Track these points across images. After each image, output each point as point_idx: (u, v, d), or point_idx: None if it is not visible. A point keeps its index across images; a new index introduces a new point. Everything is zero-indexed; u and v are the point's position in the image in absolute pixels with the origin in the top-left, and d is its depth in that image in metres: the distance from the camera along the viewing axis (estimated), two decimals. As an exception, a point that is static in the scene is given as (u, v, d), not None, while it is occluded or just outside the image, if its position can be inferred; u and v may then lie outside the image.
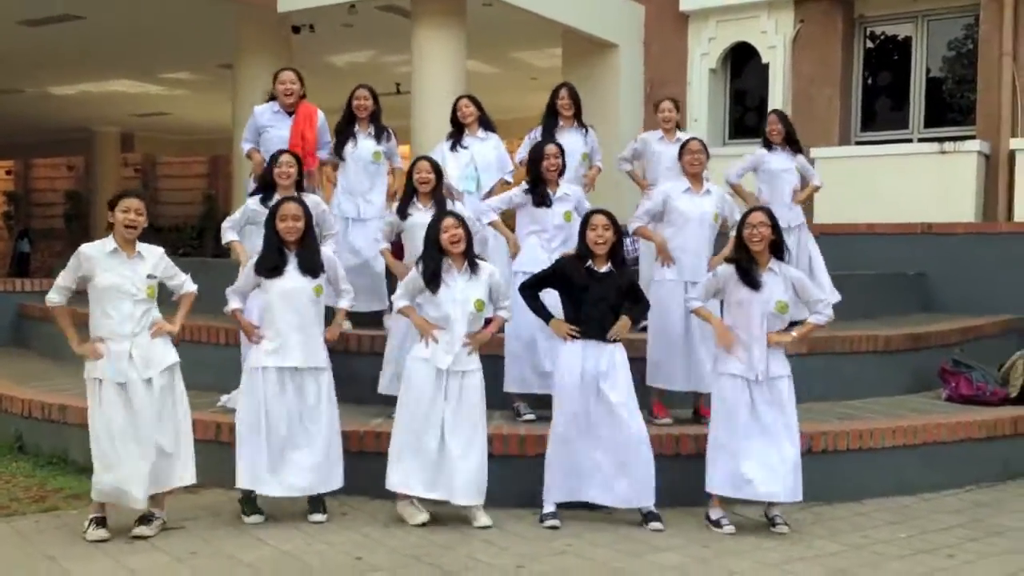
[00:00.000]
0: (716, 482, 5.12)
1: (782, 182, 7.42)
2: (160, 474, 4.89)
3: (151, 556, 4.63)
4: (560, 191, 6.01)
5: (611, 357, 5.16)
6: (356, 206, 6.83)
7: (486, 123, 6.98)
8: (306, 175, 6.24)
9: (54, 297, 4.91)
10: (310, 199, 5.99)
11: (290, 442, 5.10)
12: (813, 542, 5.00)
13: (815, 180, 7.66)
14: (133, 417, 4.82)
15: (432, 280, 5.10)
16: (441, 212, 5.45)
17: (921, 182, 9.78)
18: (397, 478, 5.11)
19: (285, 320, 5.10)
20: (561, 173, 6.05)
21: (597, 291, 5.15)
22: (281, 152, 6.10)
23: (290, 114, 6.73)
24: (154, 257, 4.97)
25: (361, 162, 6.82)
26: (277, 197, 5.88)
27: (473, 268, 5.15)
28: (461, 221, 5.18)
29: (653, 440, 5.26)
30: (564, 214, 5.96)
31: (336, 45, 13.09)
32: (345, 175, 6.87)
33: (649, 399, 6.00)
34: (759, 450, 5.04)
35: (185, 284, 5.13)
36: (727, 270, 5.16)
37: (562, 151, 6.06)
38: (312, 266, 5.16)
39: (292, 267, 5.14)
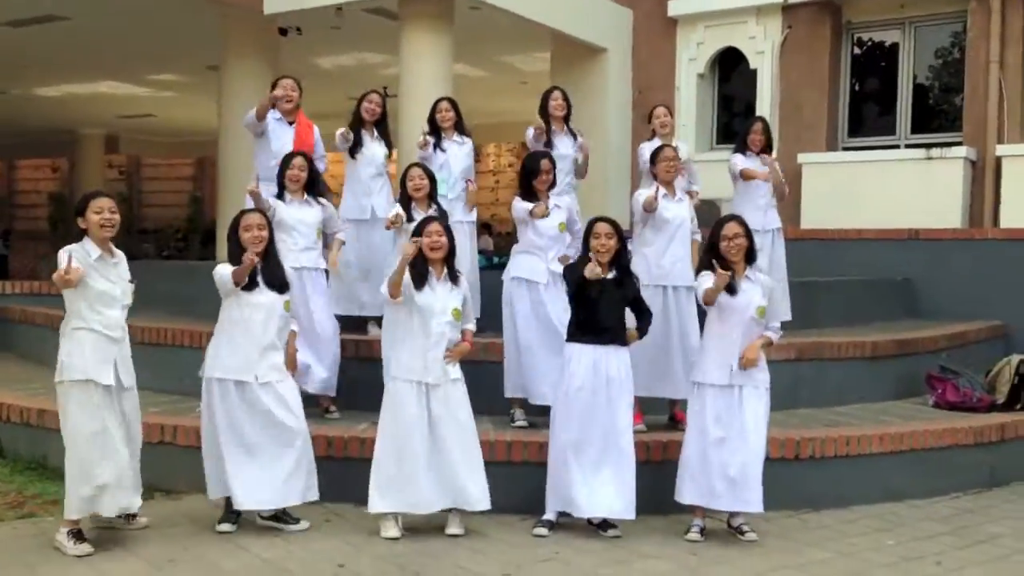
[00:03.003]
0: (684, 493, 5.12)
1: (755, 186, 7.36)
2: (134, 488, 4.82)
3: (129, 563, 4.56)
4: (551, 203, 5.98)
5: (619, 362, 5.15)
6: (364, 207, 6.79)
7: (461, 128, 6.93)
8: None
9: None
10: (320, 201, 6.12)
11: (254, 454, 4.97)
12: (801, 549, 4.97)
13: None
14: (121, 419, 4.76)
15: (418, 279, 5.01)
16: (428, 217, 5.39)
17: (908, 188, 9.79)
18: (384, 503, 4.98)
19: (249, 334, 4.99)
20: (552, 185, 6.04)
21: (604, 297, 5.15)
22: (293, 155, 6.10)
23: (290, 124, 6.71)
24: (124, 260, 4.91)
25: (371, 164, 6.79)
26: (288, 198, 5.94)
27: (453, 277, 5.11)
28: (446, 229, 5.13)
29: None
30: (559, 225, 5.97)
31: (323, 48, 13.03)
32: (354, 178, 6.81)
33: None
34: (725, 460, 5.02)
35: None
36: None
37: (553, 164, 6.05)
38: (278, 281, 5.09)
39: (260, 280, 5.04)
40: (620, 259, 5.22)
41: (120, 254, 4.89)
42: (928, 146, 10.00)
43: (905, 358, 7.40)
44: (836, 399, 6.88)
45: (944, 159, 9.73)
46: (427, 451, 4.97)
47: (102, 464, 4.69)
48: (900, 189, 9.81)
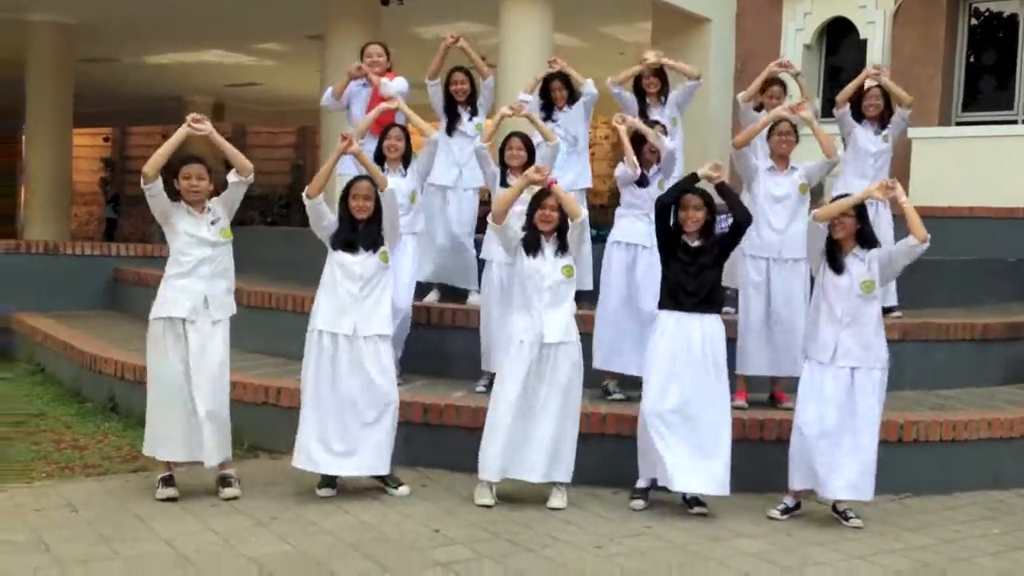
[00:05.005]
0: (796, 479, 5.04)
1: (867, 156, 7.14)
2: (211, 437, 5.00)
3: (234, 519, 4.73)
4: (654, 168, 6.01)
5: (708, 330, 5.12)
6: (456, 175, 6.83)
7: (572, 98, 6.93)
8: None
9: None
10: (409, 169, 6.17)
11: (348, 415, 5.09)
12: (900, 534, 4.86)
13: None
14: (189, 361, 4.95)
15: (530, 248, 5.14)
16: (543, 191, 5.36)
17: (1025, 165, 9.39)
18: (488, 464, 5.07)
19: (346, 288, 5.14)
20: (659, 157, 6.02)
21: (692, 265, 5.14)
22: (390, 126, 6.20)
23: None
24: (216, 205, 5.11)
25: (464, 136, 6.83)
26: (387, 167, 6.04)
27: (562, 246, 5.14)
28: (556, 203, 5.16)
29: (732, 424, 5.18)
30: (659, 183, 5.99)
31: (424, 17, 13.07)
32: (447, 147, 6.83)
33: (735, 381, 5.92)
34: (837, 446, 4.93)
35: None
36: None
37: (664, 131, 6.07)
38: (377, 242, 5.22)
39: (359, 244, 5.19)
40: (710, 229, 5.20)
41: (215, 209, 5.10)
42: (1048, 121, 9.57)
43: (1017, 342, 7.12)
44: (942, 382, 6.68)
45: (1064, 135, 9.30)
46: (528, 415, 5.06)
47: (161, 405, 4.98)
48: (1016, 166, 9.38)
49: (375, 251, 5.19)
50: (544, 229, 5.15)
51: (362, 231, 5.18)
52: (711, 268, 5.18)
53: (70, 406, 6.97)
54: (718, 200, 5.37)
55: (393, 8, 11.54)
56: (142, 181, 4.98)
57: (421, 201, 6.40)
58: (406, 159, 6.18)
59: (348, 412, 5.08)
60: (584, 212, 5.22)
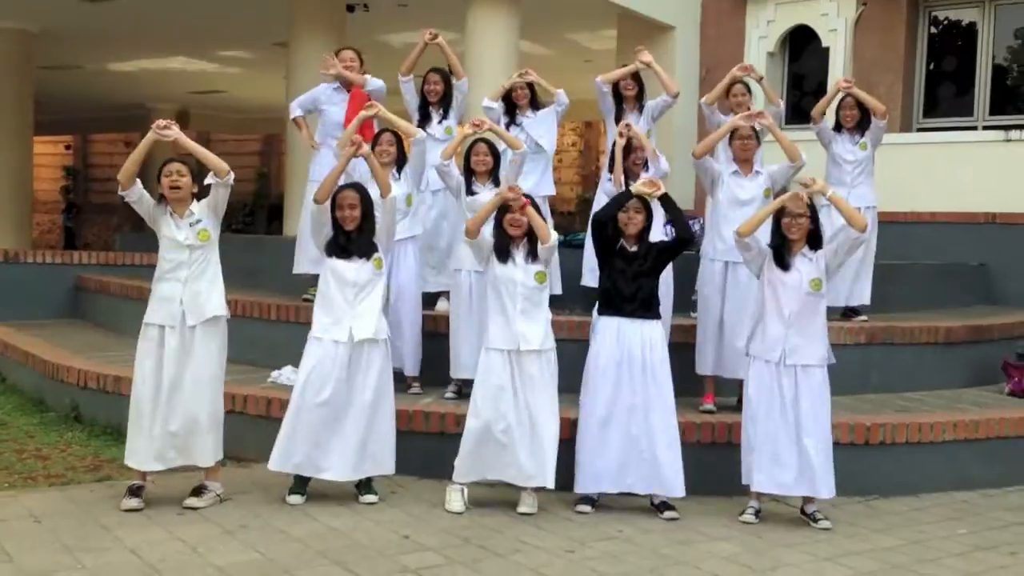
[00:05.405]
0: (746, 475, 5.08)
1: (843, 164, 7.23)
2: (185, 446, 4.96)
3: (202, 527, 4.67)
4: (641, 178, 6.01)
5: (648, 336, 5.13)
6: (426, 180, 6.78)
7: (536, 105, 6.92)
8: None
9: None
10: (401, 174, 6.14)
11: (336, 420, 5.06)
12: (868, 536, 4.90)
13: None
14: (164, 367, 4.90)
15: (501, 254, 5.14)
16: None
17: (985, 170, 9.51)
18: (464, 469, 5.08)
19: (340, 295, 5.12)
20: (645, 165, 6.02)
21: (628, 270, 5.16)
22: (383, 131, 6.16)
23: (347, 91, 6.80)
24: (199, 208, 5.06)
25: (432, 140, 6.74)
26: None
27: (533, 252, 5.14)
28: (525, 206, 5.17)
29: (695, 428, 5.19)
30: None
31: (390, 25, 13.05)
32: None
33: (703, 384, 5.95)
34: (785, 443, 4.97)
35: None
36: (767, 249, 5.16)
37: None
38: (368, 250, 5.20)
39: (352, 251, 5.18)
40: (647, 234, 5.23)
41: (198, 211, 5.05)
42: (1007, 128, 9.70)
43: (979, 344, 7.23)
44: (907, 384, 6.76)
45: (1023, 141, 9.44)
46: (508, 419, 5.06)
47: (135, 411, 4.94)
48: (977, 172, 9.54)
49: (368, 259, 5.17)
50: (514, 234, 5.15)
51: (355, 239, 5.16)
52: (647, 276, 5.19)
53: (32, 416, 6.85)
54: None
55: (359, 15, 11.52)
56: (119, 189, 4.95)
57: (417, 203, 6.37)
58: (399, 163, 6.15)
59: (333, 418, 5.05)
60: (554, 237, 5.18)
